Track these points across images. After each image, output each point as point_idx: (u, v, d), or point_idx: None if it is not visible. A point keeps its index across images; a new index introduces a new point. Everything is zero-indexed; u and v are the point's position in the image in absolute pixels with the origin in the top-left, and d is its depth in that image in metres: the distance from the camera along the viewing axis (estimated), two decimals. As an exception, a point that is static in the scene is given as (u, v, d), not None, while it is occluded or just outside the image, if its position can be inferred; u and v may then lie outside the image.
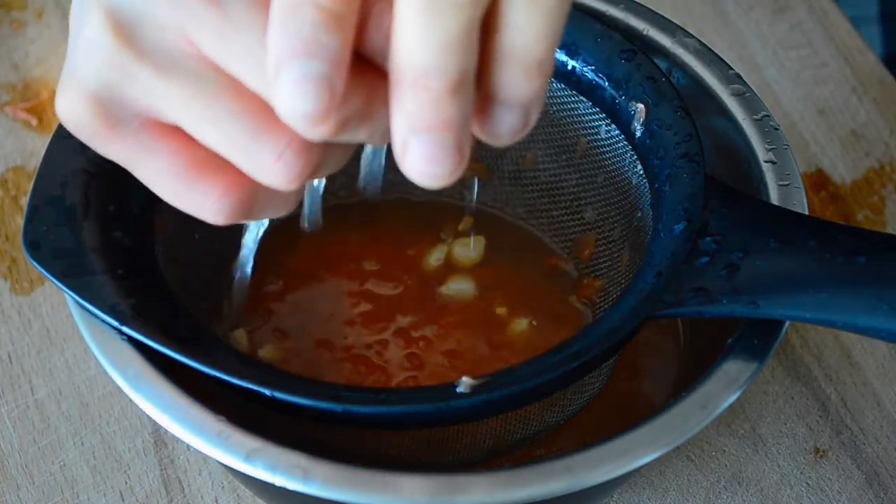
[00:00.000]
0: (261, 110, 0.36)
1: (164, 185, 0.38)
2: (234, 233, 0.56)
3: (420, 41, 0.33)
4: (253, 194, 0.38)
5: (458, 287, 0.56)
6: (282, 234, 0.57)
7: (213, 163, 0.37)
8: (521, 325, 0.55)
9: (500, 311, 0.55)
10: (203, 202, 0.38)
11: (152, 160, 0.38)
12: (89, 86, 0.37)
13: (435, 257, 0.57)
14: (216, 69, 0.36)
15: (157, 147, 0.38)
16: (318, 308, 0.55)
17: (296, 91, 0.33)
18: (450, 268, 0.57)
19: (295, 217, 0.58)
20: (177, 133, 0.38)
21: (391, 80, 0.34)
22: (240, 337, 0.54)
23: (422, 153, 0.34)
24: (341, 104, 0.34)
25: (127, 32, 0.37)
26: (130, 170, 0.39)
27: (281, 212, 0.39)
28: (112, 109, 0.37)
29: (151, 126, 0.38)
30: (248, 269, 0.51)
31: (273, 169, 0.36)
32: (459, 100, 0.34)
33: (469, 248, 0.57)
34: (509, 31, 0.34)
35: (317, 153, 0.36)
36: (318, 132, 0.34)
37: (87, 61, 0.37)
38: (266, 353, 0.53)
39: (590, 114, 0.53)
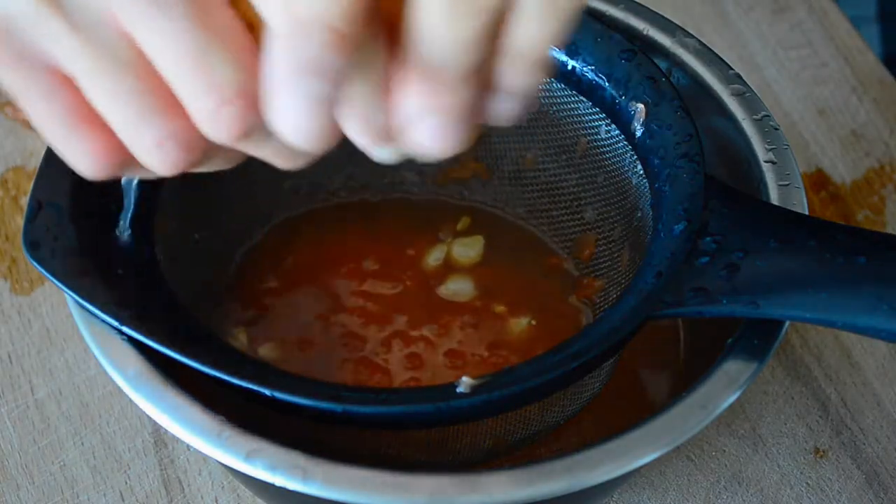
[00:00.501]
0: (159, 94, 0.36)
1: (48, 127, 0.38)
2: (234, 233, 0.56)
3: (441, 38, 0.34)
4: (128, 160, 0.38)
5: (458, 287, 0.56)
6: (282, 234, 0.57)
7: (92, 122, 0.37)
8: (520, 324, 0.55)
9: (500, 310, 0.56)
10: (79, 155, 0.38)
11: (42, 101, 0.37)
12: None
13: (434, 257, 0.57)
14: (129, 43, 0.36)
15: (50, 90, 0.37)
16: (318, 308, 0.55)
17: (300, 109, 0.34)
18: (449, 268, 0.57)
19: (295, 217, 0.58)
20: (70, 83, 0.37)
21: (407, 65, 0.35)
22: (239, 334, 0.54)
23: (432, 131, 0.36)
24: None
25: None
26: (19, 101, 0.38)
27: (150, 176, 0.39)
28: (14, 44, 0.37)
29: (49, 70, 0.37)
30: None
31: (151, 152, 0.37)
32: (469, 86, 0.36)
33: (468, 248, 0.57)
34: (520, 34, 0.35)
35: (199, 151, 0.37)
36: (311, 148, 0.35)
37: None
38: (265, 352, 0.53)
39: (590, 114, 0.53)
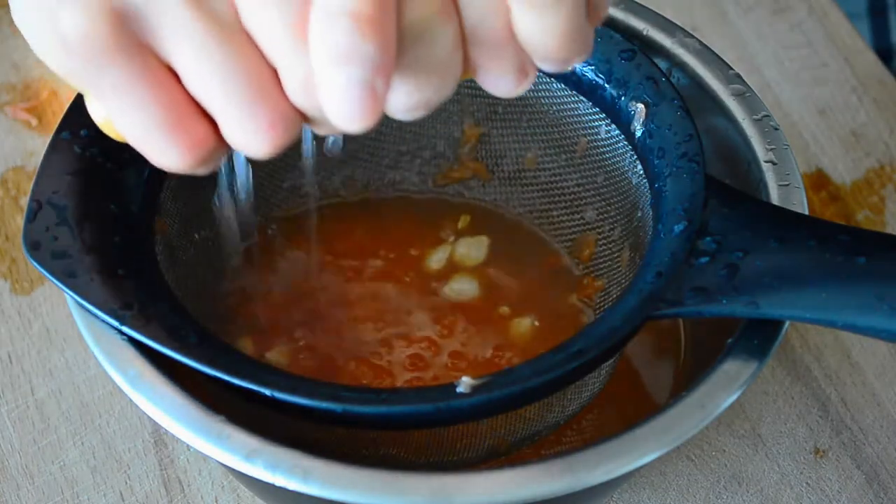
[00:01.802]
0: (267, 77, 0.37)
1: (145, 123, 0.38)
2: (234, 233, 0.56)
3: None
4: (214, 152, 0.39)
5: (461, 287, 0.56)
6: (282, 234, 0.57)
7: (191, 114, 0.38)
8: (523, 325, 0.55)
9: (503, 310, 0.56)
10: (177, 149, 0.38)
11: (148, 94, 0.38)
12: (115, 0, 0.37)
13: (437, 258, 0.57)
14: (242, 28, 0.37)
15: (157, 81, 0.37)
16: (321, 309, 0.55)
17: (341, 96, 0.35)
18: (452, 268, 0.57)
19: (296, 217, 0.58)
20: (170, 74, 0.38)
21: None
22: (242, 338, 0.54)
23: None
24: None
25: None
26: (106, 98, 0.38)
27: (214, 165, 0.40)
28: (128, 30, 0.37)
29: (153, 59, 0.37)
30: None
31: (261, 135, 0.37)
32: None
33: (473, 249, 0.57)
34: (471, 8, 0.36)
35: (299, 128, 0.38)
36: (358, 128, 0.36)
37: None
38: (271, 356, 0.53)
39: (590, 114, 0.53)
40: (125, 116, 0.38)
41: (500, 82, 0.38)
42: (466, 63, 0.38)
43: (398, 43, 0.36)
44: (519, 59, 0.38)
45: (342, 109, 0.35)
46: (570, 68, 0.39)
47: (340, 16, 0.35)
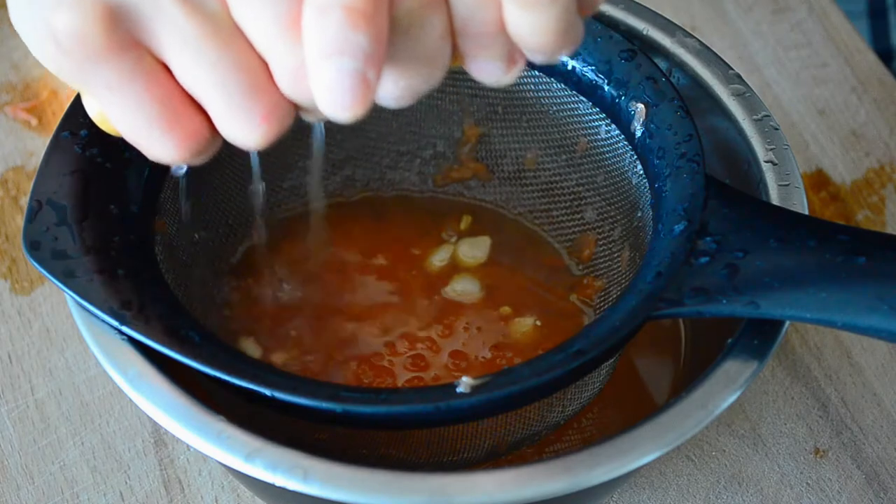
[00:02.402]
0: (259, 70, 0.37)
1: (141, 117, 0.38)
2: (233, 233, 0.56)
3: None
4: (208, 144, 0.39)
5: (463, 287, 0.56)
6: (282, 234, 0.57)
7: (184, 108, 0.38)
8: (524, 325, 0.55)
9: (504, 310, 0.55)
10: (172, 142, 0.39)
11: (142, 89, 0.38)
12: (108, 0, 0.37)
13: (439, 258, 0.57)
14: (232, 22, 0.37)
15: (151, 76, 0.38)
16: (321, 309, 0.55)
17: (333, 87, 0.35)
18: (453, 268, 0.57)
19: (296, 217, 0.58)
20: (163, 69, 0.38)
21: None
22: (244, 340, 0.54)
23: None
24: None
25: None
26: (101, 95, 0.38)
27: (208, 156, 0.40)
28: (121, 28, 0.37)
29: (146, 56, 0.38)
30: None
31: (255, 127, 0.38)
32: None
33: (475, 249, 0.57)
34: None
35: (291, 119, 0.38)
36: (350, 117, 0.36)
37: None
38: (274, 358, 0.53)
39: (590, 114, 0.53)
40: (120, 112, 0.39)
41: (489, 70, 0.39)
42: (455, 52, 0.38)
43: (389, 33, 0.36)
44: (508, 48, 0.38)
45: (334, 99, 0.36)
46: (558, 60, 0.39)
47: (333, 8, 0.35)
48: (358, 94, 0.36)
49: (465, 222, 0.58)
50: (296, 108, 0.38)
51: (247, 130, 0.38)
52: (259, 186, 0.53)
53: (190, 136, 0.39)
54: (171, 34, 0.37)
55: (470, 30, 0.37)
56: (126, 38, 0.37)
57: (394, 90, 0.38)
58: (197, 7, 0.37)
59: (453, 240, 0.58)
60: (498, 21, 0.37)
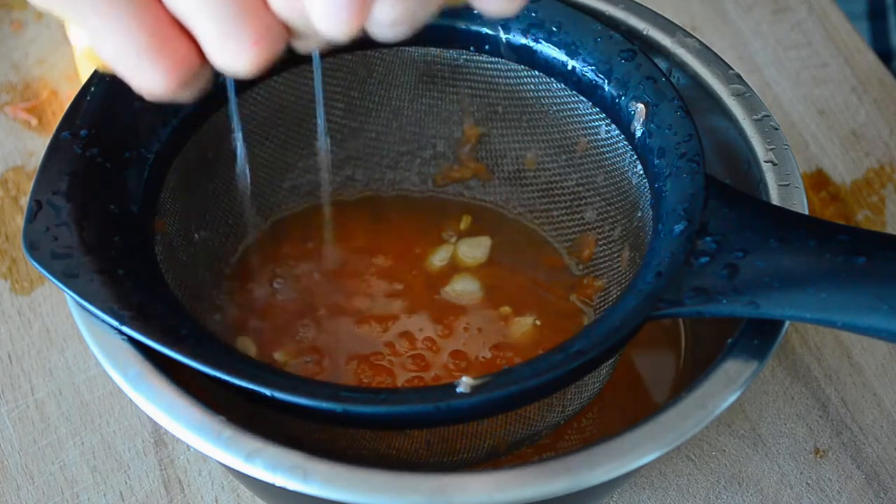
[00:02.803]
0: None
1: (130, 48, 0.38)
2: (233, 233, 0.56)
3: None
4: (198, 73, 0.39)
5: (463, 287, 0.56)
6: (282, 234, 0.57)
7: (173, 35, 0.38)
8: (524, 325, 0.55)
9: (504, 310, 0.55)
10: (161, 71, 0.38)
11: (120, 15, 0.37)
12: None
13: (440, 257, 0.57)
14: None
15: (131, 2, 0.37)
16: (321, 309, 0.55)
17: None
18: (454, 268, 0.57)
19: (296, 217, 0.58)
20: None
21: None
22: (244, 340, 0.54)
23: None
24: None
25: None
26: (88, 22, 0.38)
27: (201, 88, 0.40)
28: None
29: None
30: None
31: (246, 51, 0.37)
32: None
33: (475, 248, 0.57)
34: None
35: (284, 42, 0.38)
36: (344, 33, 0.36)
37: None
38: (275, 358, 0.53)
39: (590, 114, 0.53)
40: (107, 40, 0.38)
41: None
42: None
43: None
44: None
45: (329, 12, 0.35)
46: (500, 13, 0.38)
47: None
48: (355, 7, 0.35)
49: (465, 222, 0.58)
50: (288, 32, 0.38)
51: (237, 55, 0.37)
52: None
53: (178, 63, 0.38)
54: None
55: None
56: None
57: (391, 13, 0.37)
58: None
59: (453, 240, 0.58)
60: None
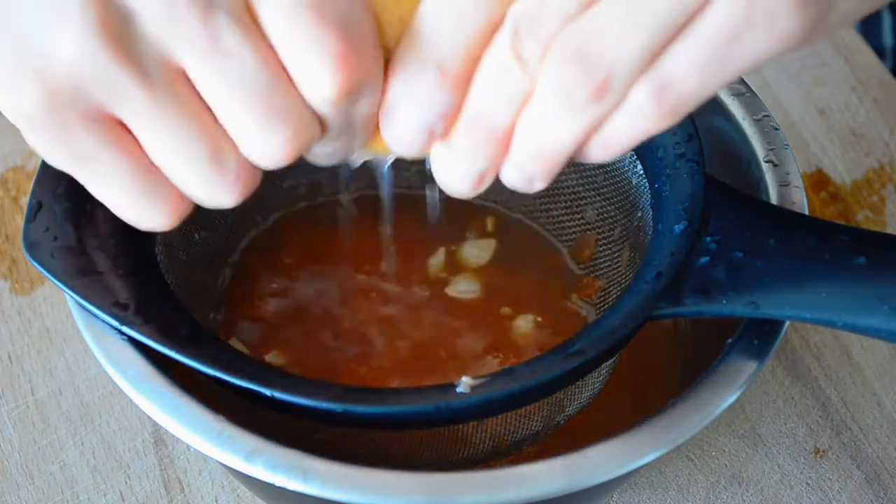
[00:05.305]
0: (220, 136, 0.38)
1: (126, 186, 0.38)
2: (233, 233, 0.56)
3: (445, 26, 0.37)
4: (188, 209, 0.40)
5: (463, 287, 0.56)
6: (282, 234, 0.57)
7: (163, 177, 0.39)
8: (524, 325, 0.55)
9: (505, 311, 0.55)
10: (160, 205, 0.39)
11: (118, 159, 0.38)
12: (55, 77, 0.36)
13: (439, 258, 0.57)
14: (189, 87, 0.37)
15: (123, 145, 0.38)
16: (321, 309, 0.55)
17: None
18: (454, 268, 0.57)
19: (297, 216, 0.58)
20: (131, 138, 0.38)
21: (403, 57, 0.38)
22: (244, 343, 0.54)
23: (406, 120, 0.38)
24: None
25: (116, 29, 0.36)
26: (87, 173, 0.38)
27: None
28: (83, 103, 0.37)
29: (119, 127, 0.38)
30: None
31: (229, 188, 0.38)
32: (453, 95, 0.38)
33: (480, 250, 0.57)
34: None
35: (260, 175, 0.39)
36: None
37: (59, 49, 0.36)
38: (270, 359, 0.53)
39: (590, 114, 0.53)
40: (103, 186, 0.39)
41: (458, 181, 0.41)
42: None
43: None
44: (492, 163, 0.39)
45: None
46: (523, 190, 0.41)
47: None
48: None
49: (472, 230, 0.58)
50: (322, 128, 0.39)
51: (215, 194, 0.38)
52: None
53: (175, 200, 0.39)
54: (132, 114, 0.37)
55: (475, 128, 0.39)
56: (88, 111, 0.37)
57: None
58: (157, 85, 0.36)
59: (454, 248, 0.58)
60: (509, 127, 0.38)
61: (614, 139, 0.37)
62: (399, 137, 0.39)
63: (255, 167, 0.38)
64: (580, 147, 0.38)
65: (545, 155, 0.38)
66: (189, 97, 0.37)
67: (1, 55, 0.37)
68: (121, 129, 0.38)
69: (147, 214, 0.39)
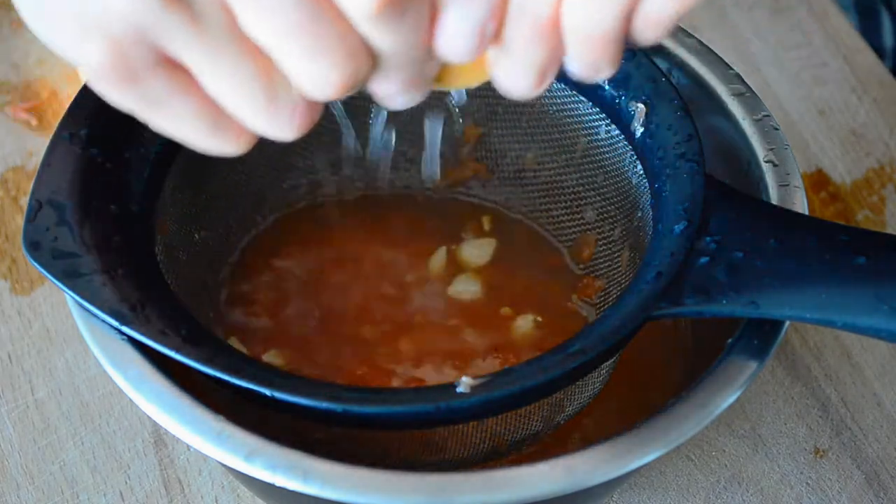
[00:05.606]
0: (273, 73, 0.38)
1: (195, 124, 0.39)
2: (232, 233, 0.56)
3: None
4: (253, 139, 0.40)
5: (463, 287, 0.56)
6: (282, 234, 0.57)
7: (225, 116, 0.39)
8: (524, 325, 0.55)
9: (505, 311, 0.56)
10: (231, 137, 0.39)
11: (184, 99, 0.39)
12: (115, 26, 0.37)
13: (439, 258, 0.57)
14: (236, 27, 0.37)
15: (186, 85, 0.38)
16: (321, 308, 0.55)
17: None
18: (455, 268, 0.57)
19: (297, 216, 0.58)
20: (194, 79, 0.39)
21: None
22: (244, 343, 0.54)
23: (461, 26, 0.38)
24: None
25: None
26: (160, 114, 0.39)
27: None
28: (146, 50, 0.38)
29: (176, 69, 0.38)
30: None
31: (287, 122, 0.39)
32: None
33: (480, 249, 0.57)
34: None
35: (320, 108, 0.39)
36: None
37: (117, 5, 0.37)
38: (269, 358, 0.53)
39: (590, 114, 0.53)
40: (170, 126, 0.39)
41: (520, 79, 0.39)
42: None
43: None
44: (550, 53, 0.39)
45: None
46: (593, 79, 0.40)
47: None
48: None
49: (471, 230, 0.58)
50: (373, 61, 0.39)
51: (281, 129, 0.39)
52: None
53: (243, 132, 0.39)
54: (191, 57, 0.38)
55: (522, 21, 0.38)
56: (153, 56, 0.38)
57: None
58: (211, 29, 0.37)
59: (454, 247, 0.58)
60: (553, 16, 0.38)
61: (653, 14, 0.38)
62: (453, 44, 0.38)
63: (312, 101, 0.39)
64: (628, 29, 0.38)
65: (594, 40, 0.38)
66: (241, 37, 0.37)
67: (63, 11, 0.38)
68: (183, 71, 0.38)
69: (219, 146, 0.40)
